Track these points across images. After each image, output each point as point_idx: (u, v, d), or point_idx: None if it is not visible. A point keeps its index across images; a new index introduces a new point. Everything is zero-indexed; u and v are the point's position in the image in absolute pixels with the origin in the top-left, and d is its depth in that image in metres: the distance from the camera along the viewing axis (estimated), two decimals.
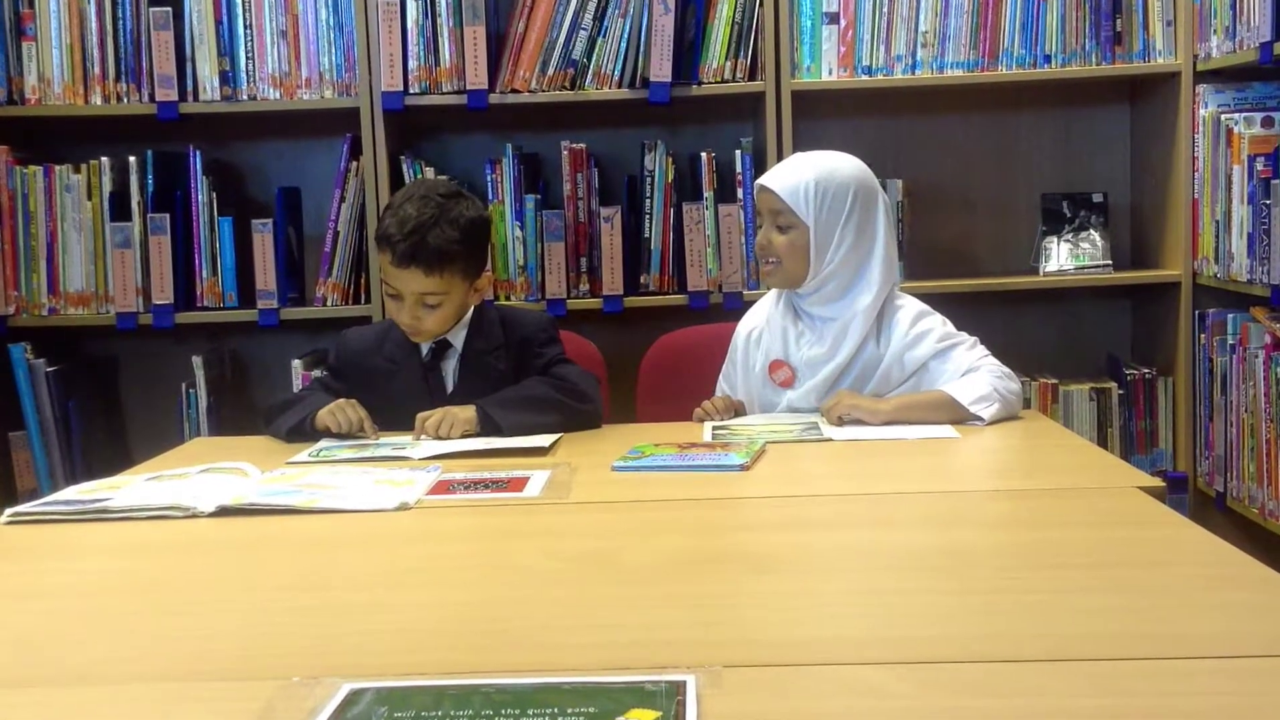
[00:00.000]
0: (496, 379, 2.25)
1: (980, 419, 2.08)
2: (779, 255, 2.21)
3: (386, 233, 2.19)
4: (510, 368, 2.29)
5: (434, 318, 2.22)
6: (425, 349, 2.29)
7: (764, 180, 2.23)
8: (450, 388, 2.28)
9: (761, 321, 2.33)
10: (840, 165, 2.23)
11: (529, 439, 2.06)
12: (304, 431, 2.15)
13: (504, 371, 2.27)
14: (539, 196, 3.07)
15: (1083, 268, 3.14)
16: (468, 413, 2.14)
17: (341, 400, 2.18)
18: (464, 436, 2.11)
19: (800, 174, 2.20)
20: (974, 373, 2.14)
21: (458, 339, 2.29)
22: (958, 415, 2.09)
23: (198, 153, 3.05)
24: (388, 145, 3.01)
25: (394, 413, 2.18)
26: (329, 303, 3.06)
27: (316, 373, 3.04)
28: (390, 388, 2.28)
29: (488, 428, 2.13)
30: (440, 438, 2.10)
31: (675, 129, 3.25)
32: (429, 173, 3.05)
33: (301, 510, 1.67)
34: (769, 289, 2.31)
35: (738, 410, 2.29)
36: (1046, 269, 3.15)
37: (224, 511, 1.67)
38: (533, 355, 2.31)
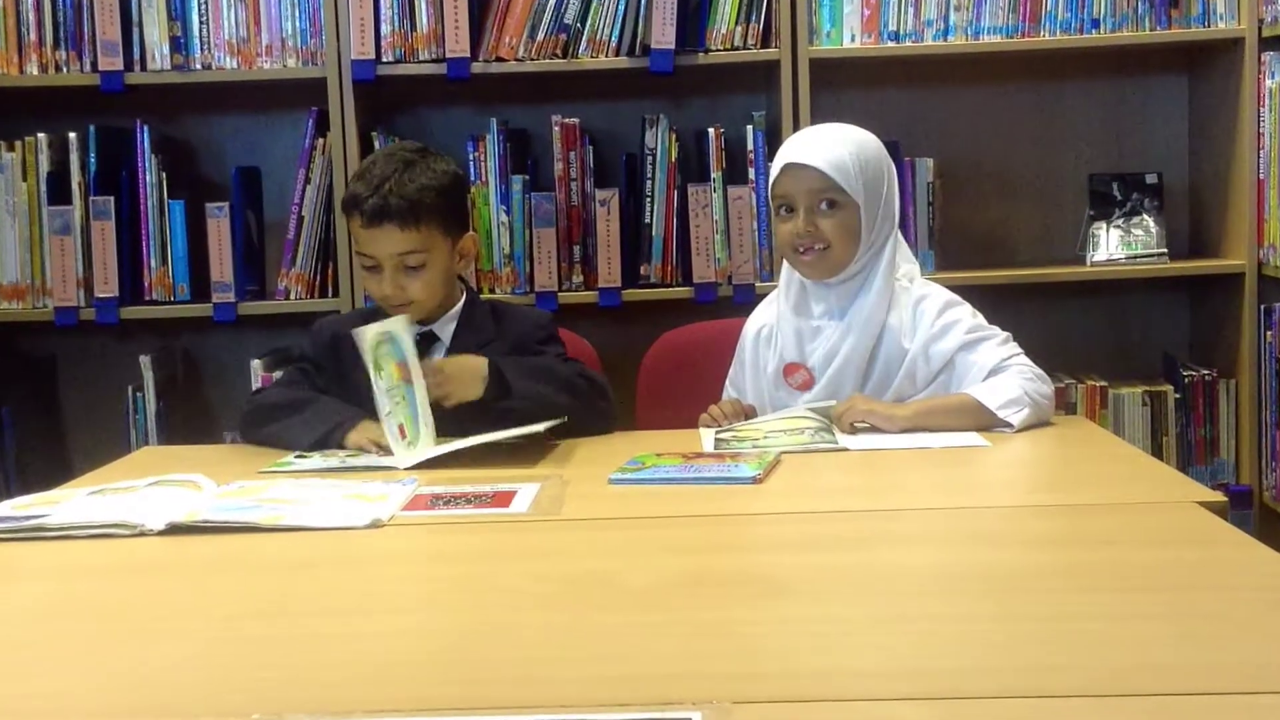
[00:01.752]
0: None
1: (1009, 425, 2.08)
2: (829, 239, 2.20)
3: (354, 193, 2.21)
4: None
5: (418, 283, 2.22)
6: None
7: (799, 157, 2.21)
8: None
9: (771, 318, 2.33)
10: (865, 136, 2.27)
11: (522, 429, 2.04)
12: (329, 444, 2.12)
13: None
14: (527, 177, 3.07)
15: (1135, 257, 3.14)
16: (475, 363, 2.13)
17: (368, 424, 2.12)
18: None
19: (838, 147, 2.21)
20: (1002, 372, 2.14)
21: (445, 332, 2.30)
22: (984, 421, 2.09)
23: (145, 128, 3.05)
24: (358, 120, 3.01)
25: (373, 410, 2.17)
26: (293, 296, 3.06)
27: (277, 373, 3.04)
28: (369, 382, 2.28)
29: (494, 388, 2.12)
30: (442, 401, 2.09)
31: (680, 102, 3.25)
32: None
33: (262, 528, 1.67)
34: (813, 277, 2.25)
35: (748, 415, 2.29)
36: (1094, 258, 3.15)
37: (175, 530, 1.67)
38: (530, 354, 2.31)
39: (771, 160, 3.02)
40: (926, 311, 2.22)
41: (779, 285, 2.35)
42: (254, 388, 3.00)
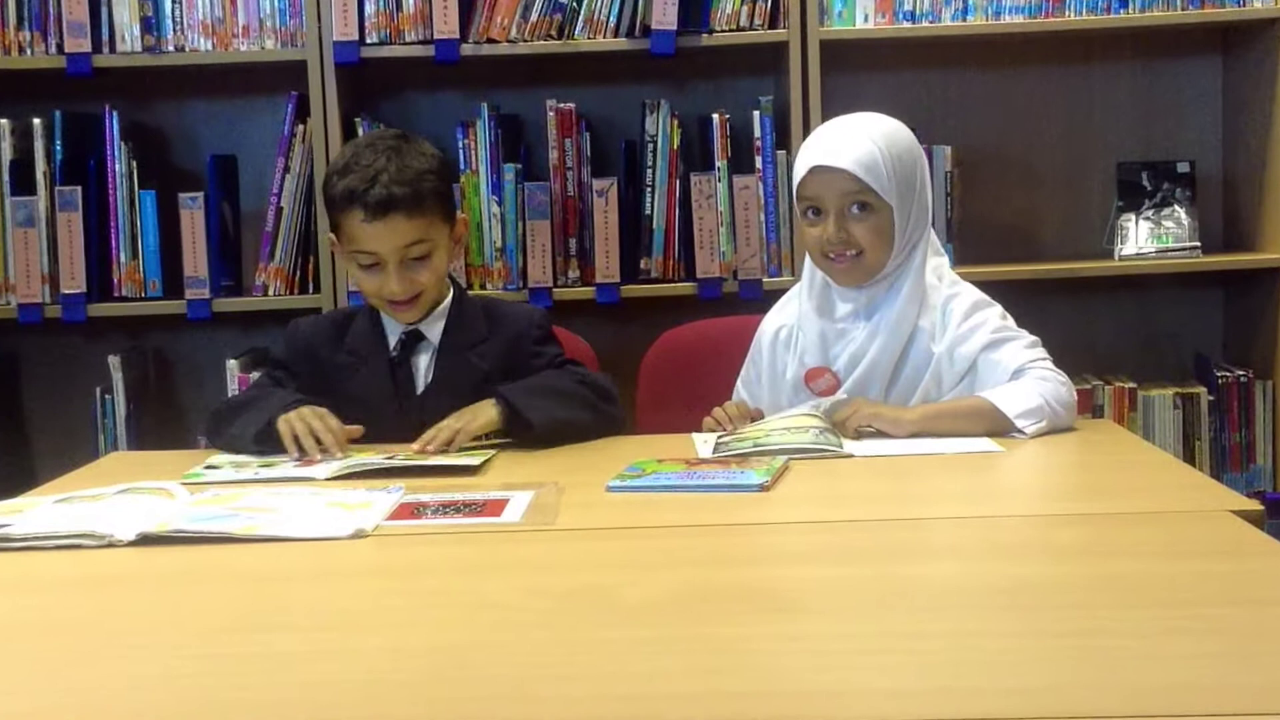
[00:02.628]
0: (478, 380, 2.26)
1: (1022, 434, 2.07)
2: (862, 245, 2.18)
3: (349, 188, 2.20)
4: (495, 368, 2.29)
5: (425, 272, 2.23)
6: (394, 340, 2.29)
7: (827, 158, 2.18)
8: (421, 387, 2.29)
9: (791, 319, 2.32)
10: (895, 128, 2.24)
11: (456, 457, 2.05)
12: (272, 437, 2.12)
13: (486, 372, 2.28)
14: (520, 166, 3.07)
15: (1165, 250, 3.14)
16: (488, 414, 2.13)
17: (307, 409, 2.13)
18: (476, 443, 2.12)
19: (867, 144, 2.18)
20: (1023, 376, 2.13)
21: (433, 330, 2.30)
22: (998, 426, 2.08)
23: (114, 114, 3.05)
24: (340, 106, 3.01)
25: (353, 416, 2.18)
26: (271, 292, 3.06)
27: (255, 375, 3.05)
28: (350, 386, 2.29)
29: (515, 426, 2.14)
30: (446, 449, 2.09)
31: (682, 86, 3.25)
32: None
33: (238, 538, 1.67)
34: (846, 284, 2.24)
35: (754, 420, 2.29)
36: (1123, 252, 3.15)
37: (146, 540, 1.67)
38: (527, 356, 2.31)
39: (779, 149, 3.06)
40: (954, 312, 2.22)
41: (800, 284, 2.33)
42: (231, 390, 3.00)
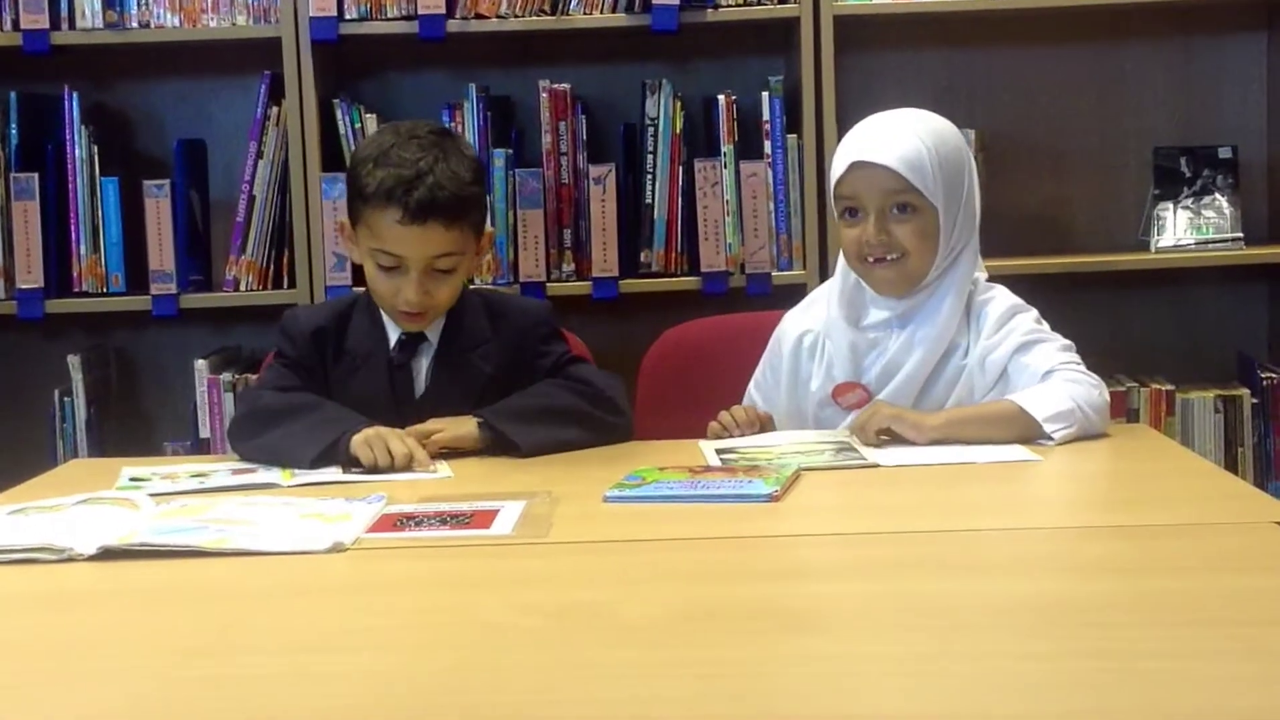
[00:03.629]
0: (480, 384, 2.27)
1: (1050, 439, 2.07)
2: (906, 247, 2.18)
3: (385, 186, 2.17)
4: (498, 371, 2.29)
5: (445, 288, 2.23)
6: (393, 341, 2.29)
7: (869, 154, 2.17)
8: (420, 391, 2.29)
9: (818, 325, 2.31)
10: (943, 127, 2.23)
11: (423, 471, 2.06)
12: (337, 461, 2.08)
13: (489, 375, 2.28)
14: (510, 151, 3.07)
15: (1206, 242, 3.14)
16: (466, 427, 2.15)
17: (384, 429, 2.09)
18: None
19: (913, 141, 2.16)
20: (1054, 376, 2.13)
21: (433, 330, 2.30)
22: (1027, 432, 2.08)
23: (74, 95, 3.05)
24: (317, 87, 3.01)
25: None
26: (242, 287, 3.06)
27: (226, 376, 3.04)
28: (347, 387, 2.28)
29: (498, 446, 2.15)
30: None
31: (685, 65, 3.25)
32: (370, 121, 3.05)
33: (208, 552, 1.67)
34: (887, 293, 2.22)
35: (764, 425, 2.29)
36: (1160, 244, 3.15)
37: (108, 554, 1.67)
38: (532, 356, 2.32)
39: (789, 132, 3.06)
40: (988, 316, 2.21)
41: (830, 288, 2.32)
42: (199, 391, 3.00)
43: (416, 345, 2.30)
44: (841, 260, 2.27)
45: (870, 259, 2.20)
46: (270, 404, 2.22)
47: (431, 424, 2.16)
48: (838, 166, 2.22)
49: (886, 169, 2.16)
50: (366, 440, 2.07)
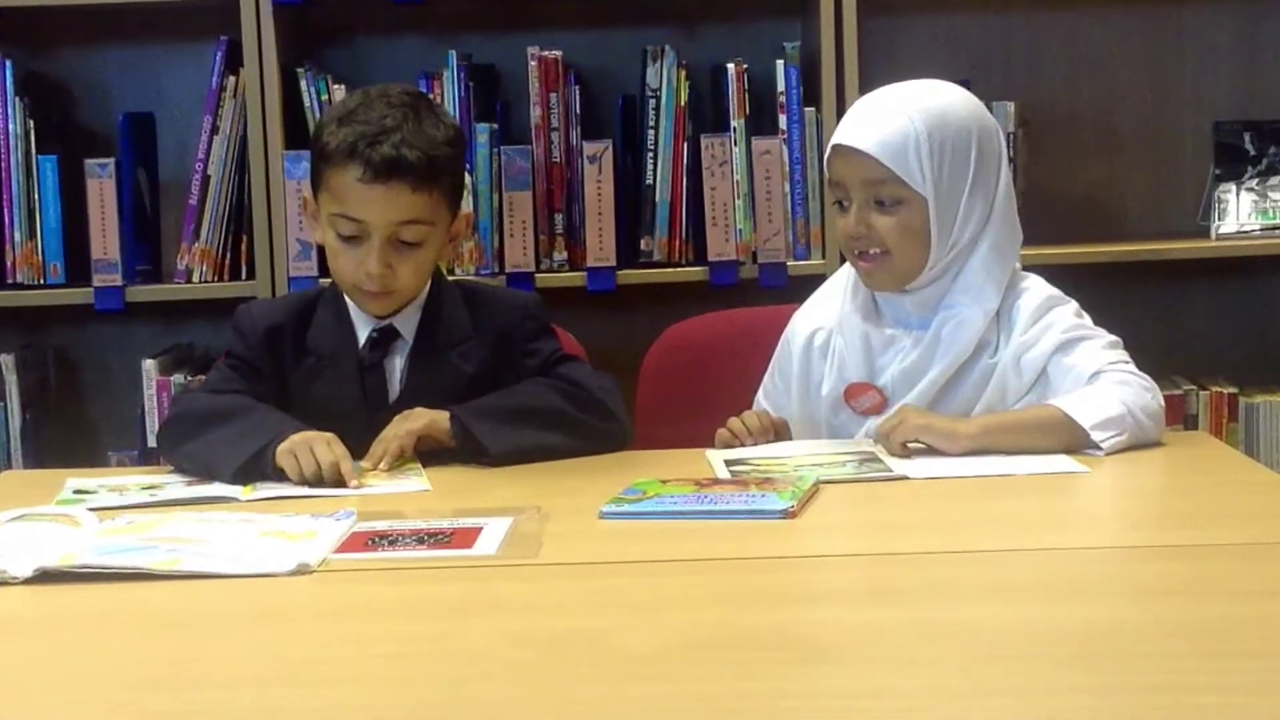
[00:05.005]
0: (462, 386, 2.27)
1: (1098, 449, 2.07)
2: (886, 244, 2.17)
3: (350, 140, 2.19)
4: (481, 370, 2.30)
5: (409, 264, 2.22)
6: (363, 337, 2.30)
7: (846, 138, 2.17)
8: (394, 394, 2.30)
9: (830, 322, 2.31)
10: (949, 102, 2.20)
11: (403, 482, 2.08)
12: (263, 473, 2.08)
13: (471, 376, 2.29)
14: (495, 126, 3.07)
15: (1272, 228, 3.14)
16: (427, 418, 2.16)
17: (315, 433, 2.10)
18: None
19: (899, 122, 2.15)
20: (1101, 378, 2.13)
21: (408, 326, 2.30)
22: (1072, 440, 2.08)
23: (8, 64, 3.05)
24: (279, 54, 3.01)
25: (315, 426, 2.17)
26: (196, 278, 3.06)
27: (177, 379, 3.04)
28: (312, 391, 2.29)
29: (466, 447, 2.16)
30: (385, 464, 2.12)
31: (691, 30, 3.25)
32: (338, 92, 3.05)
33: (157, 575, 1.66)
34: (874, 287, 2.24)
35: (778, 432, 2.29)
36: (1221, 230, 3.15)
37: (46, 577, 1.67)
38: (518, 354, 2.32)
39: (807, 105, 3.07)
40: (1021, 311, 2.21)
41: (842, 279, 2.32)
42: (148, 394, 3.00)
43: (389, 343, 2.30)
44: None
45: (856, 253, 2.20)
46: (198, 408, 2.24)
47: (398, 423, 2.17)
48: (827, 148, 2.23)
49: (866, 155, 2.15)
50: (291, 449, 2.07)
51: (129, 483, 2.13)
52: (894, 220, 2.16)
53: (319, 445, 2.07)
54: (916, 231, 2.17)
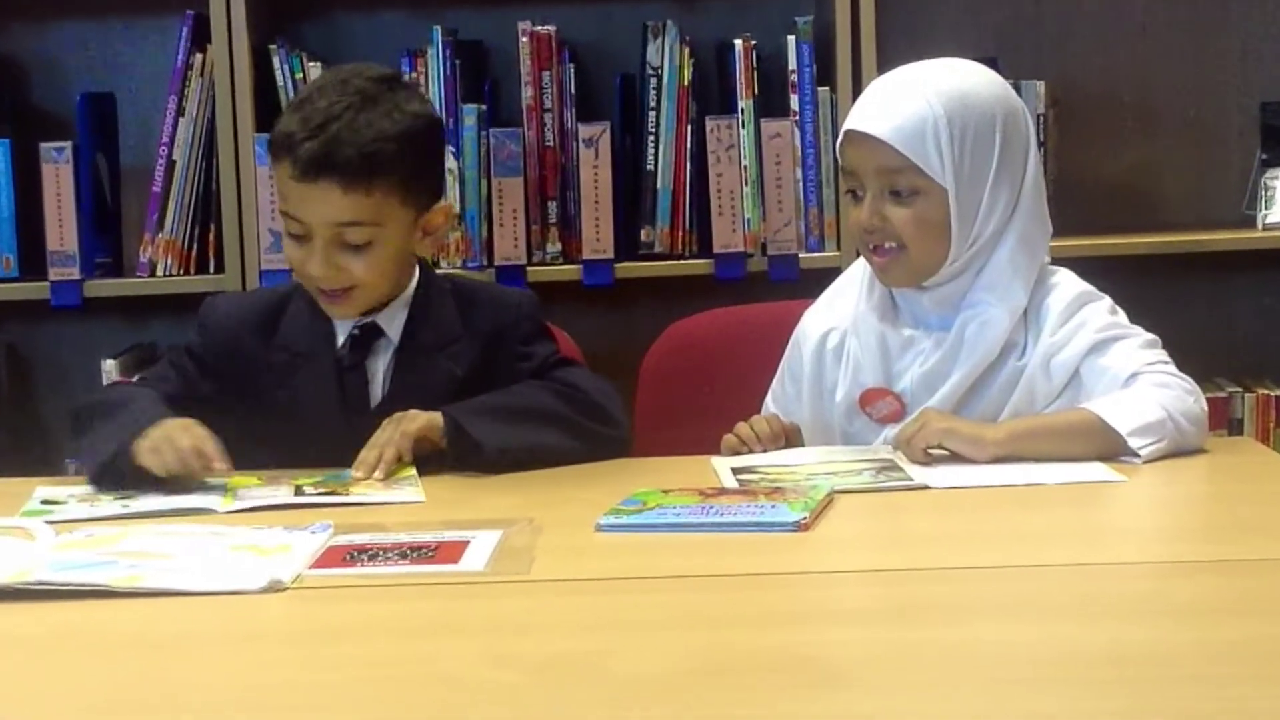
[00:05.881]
0: (450, 389, 2.27)
1: (1135, 456, 2.07)
2: (901, 238, 2.17)
3: (285, 132, 2.20)
4: (472, 373, 2.30)
5: (361, 266, 2.22)
6: (343, 335, 2.30)
7: (858, 123, 2.16)
8: (378, 398, 2.30)
9: (843, 321, 2.31)
10: (971, 83, 2.20)
11: (397, 491, 2.08)
12: (120, 471, 2.11)
13: (461, 379, 2.29)
14: (484, 108, 3.07)
15: None
16: (424, 418, 2.17)
17: (173, 422, 2.12)
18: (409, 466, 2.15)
19: (916, 105, 2.14)
20: (1139, 380, 2.13)
21: (393, 324, 2.30)
22: (1107, 447, 2.08)
23: None
24: (250, 30, 3.01)
25: (289, 431, 2.19)
26: (160, 271, 3.07)
27: (140, 372, 3.05)
28: (284, 393, 2.29)
29: (458, 446, 2.16)
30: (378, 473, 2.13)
31: (694, 3, 3.25)
32: (313, 69, 3.05)
33: (118, 592, 1.66)
34: (888, 283, 2.24)
35: (789, 438, 2.29)
36: (1268, 219, 3.15)
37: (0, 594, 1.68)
38: (512, 357, 2.33)
39: (820, 85, 3.07)
40: (1051, 309, 2.21)
41: (856, 274, 2.32)
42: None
43: (372, 342, 2.30)
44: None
45: (870, 246, 2.20)
46: (100, 399, 2.29)
47: (388, 427, 2.17)
48: (844, 136, 2.23)
49: (881, 142, 2.14)
50: (153, 445, 2.07)
51: (103, 494, 2.13)
52: (910, 212, 2.16)
53: (177, 433, 2.08)
54: (935, 224, 2.17)
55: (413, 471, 2.15)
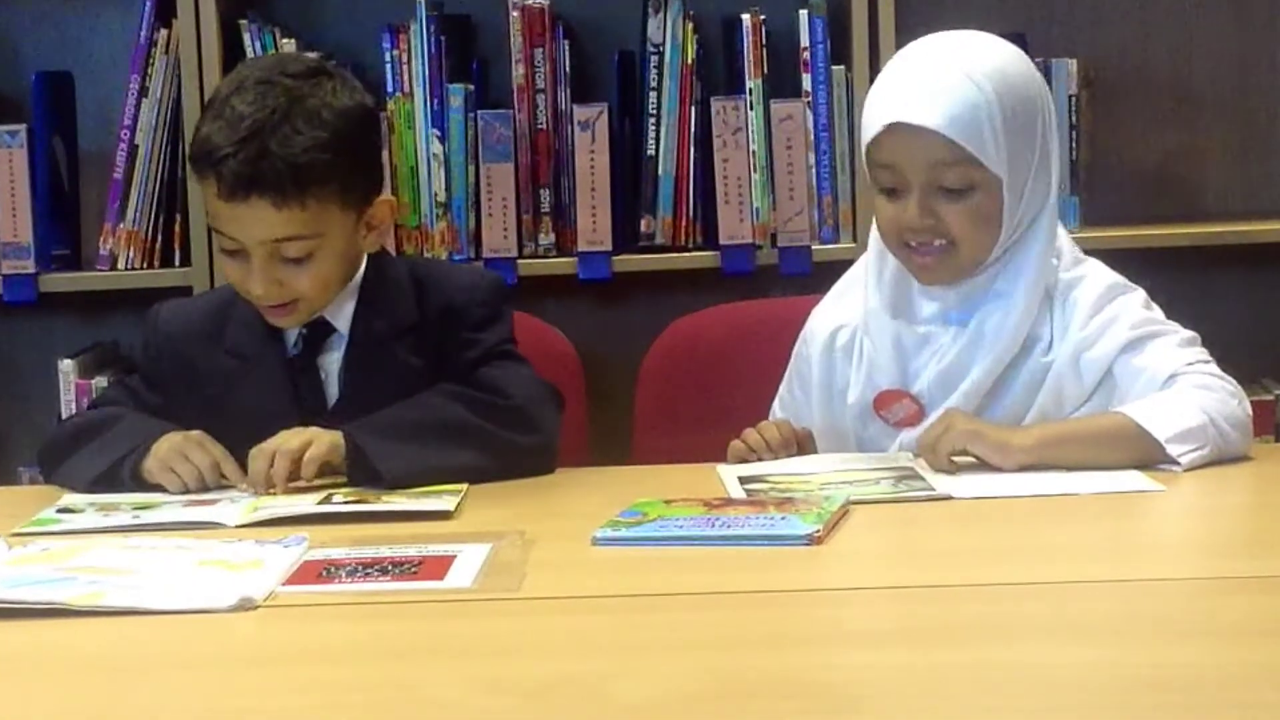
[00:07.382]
0: (409, 384, 2.27)
1: (1175, 464, 2.07)
2: (954, 234, 2.16)
3: (207, 147, 2.19)
4: (430, 362, 2.30)
5: (305, 279, 2.22)
6: (293, 335, 2.30)
7: (907, 113, 2.13)
8: (333, 398, 2.30)
9: (853, 318, 2.32)
10: (1006, 60, 2.19)
11: (420, 500, 2.08)
12: (120, 481, 2.15)
13: (419, 370, 2.29)
14: (471, 88, 3.07)
15: None
16: (328, 438, 2.17)
17: (182, 436, 2.16)
18: (323, 480, 2.15)
19: (966, 92, 2.12)
20: (1178, 382, 2.13)
21: (341, 317, 2.30)
22: (1144, 454, 2.08)
23: None
24: (219, 3, 3.01)
25: (242, 438, 2.19)
26: (121, 264, 3.07)
27: (99, 382, 3.04)
28: (234, 399, 2.29)
29: (358, 470, 2.16)
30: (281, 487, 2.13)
31: None
32: (286, 47, 3.05)
33: (76, 610, 1.66)
34: (930, 282, 2.23)
35: (801, 445, 2.29)
36: None
37: None
38: (457, 343, 2.31)
39: (835, 63, 3.06)
40: (1080, 302, 2.21)
41: (866, 268, 2.32)
42: (65, 400, 3.01)
43: (323, 338, 2.30)
44: (875, 238, 2.26)
45: (913, 244, 2.19)
46: (77, 424, 2.32)
47: (291, 435, 2.16)
48: (870, 124, 2.19)
49: (933, 134, 2.13)
50: (166, 463, 2.14)
51: (121, 500, 2.13)
52: (963, 207, 2.15)
53: (192, 450, 2.15)
54: (989, 217, 2.17)
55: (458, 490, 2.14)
